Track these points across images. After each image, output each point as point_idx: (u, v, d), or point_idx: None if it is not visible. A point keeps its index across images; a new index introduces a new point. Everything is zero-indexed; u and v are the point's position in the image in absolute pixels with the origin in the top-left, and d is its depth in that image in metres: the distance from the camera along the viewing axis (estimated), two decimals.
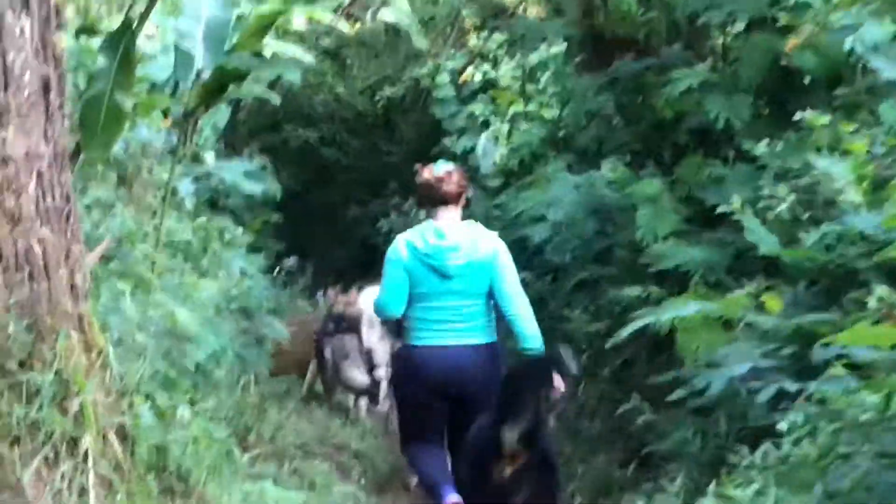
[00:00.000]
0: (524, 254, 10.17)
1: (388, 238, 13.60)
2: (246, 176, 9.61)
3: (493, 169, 12.62)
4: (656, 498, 5.68)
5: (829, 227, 5.47)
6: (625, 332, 6.09)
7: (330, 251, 15.15)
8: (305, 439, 8.16)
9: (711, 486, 4.99)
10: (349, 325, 9.51)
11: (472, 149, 13.24)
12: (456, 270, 6.31)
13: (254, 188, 9.67)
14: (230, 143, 13.22)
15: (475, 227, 6.48)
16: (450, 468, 6.54)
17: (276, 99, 9.66)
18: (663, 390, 6.70)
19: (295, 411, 8.71)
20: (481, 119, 13.55)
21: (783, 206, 5.89)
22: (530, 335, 6.41)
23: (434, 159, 7.52)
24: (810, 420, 4.50)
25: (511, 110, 12.96)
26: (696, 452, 5.83)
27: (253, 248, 9.84)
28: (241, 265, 8.73)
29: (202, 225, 8.36)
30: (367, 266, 15.17)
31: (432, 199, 6.48)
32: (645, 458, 6.73)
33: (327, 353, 9.42)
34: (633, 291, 7.10)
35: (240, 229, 9.25)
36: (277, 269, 11.59)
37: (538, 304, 10.04)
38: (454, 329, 6.40)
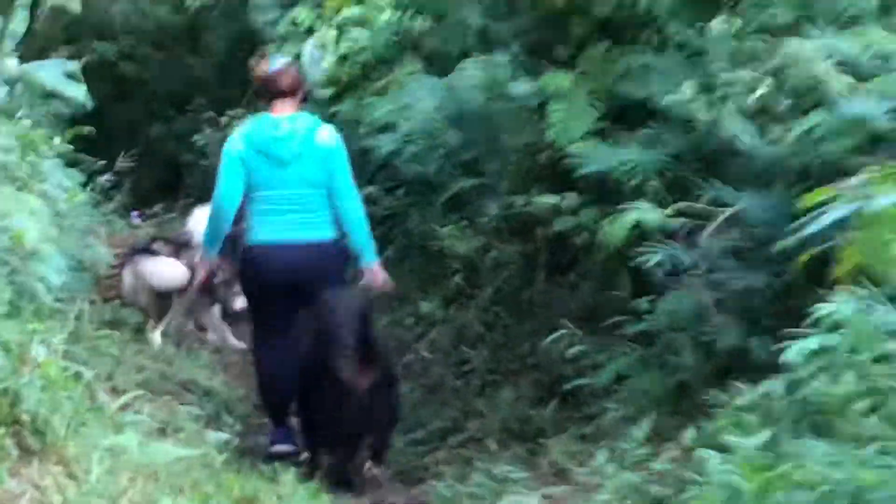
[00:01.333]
0: (367, 167, 9.30)
1: (203, 155, 12.98)
2: (67, 77, 8.26)
3: (322, 78, 11.53)
4: (611, 446, 4.82)
5: (818, 116, 4.70)
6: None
7: (136, 171, 14.03)
8: (146, 375, 7.06)
9: (690, 433, 4.17)
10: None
11: (297, 57, 12.09)
12: (292, 157, 6.37)
13: (75, 92, 8.35)
14: (23, 57, 11.85)
15: (311, 118, 6.58)
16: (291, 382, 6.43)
17: (75, 7, 8.40)
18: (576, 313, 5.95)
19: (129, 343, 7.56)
20: (306, 25, 12.42)
21: (757, 95, 5.07)
22: (364, 236, 6.55)
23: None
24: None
25: (341, 15, 11.85)
26: (652, 389, 5.00)
27: (70, 163, 8.56)
28: (61, 179, 7.46)
29: (24, 131, 7.05)
30: (176, 186, 14.46)
31: (269, 92, 6.54)
32: (566, 395, 5.86)
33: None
34: (547, 200, 6.19)
35: (57, 139, 7.94)
36: (90, 186, 10.34)
37: (390, 219, 9.23)
38: (294, 223, 6.42)
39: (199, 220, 9.08)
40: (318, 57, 11.83)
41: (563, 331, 5.61)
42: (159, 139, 14.86)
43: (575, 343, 5.61)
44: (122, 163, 11.55)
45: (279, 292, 6.43)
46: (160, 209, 12.03)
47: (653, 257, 4.87)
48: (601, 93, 6.15)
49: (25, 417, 4.13)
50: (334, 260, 6.52)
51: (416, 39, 10.02)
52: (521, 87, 7.60)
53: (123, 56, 14.97)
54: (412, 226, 9.03)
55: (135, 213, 11.26)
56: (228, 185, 6.47)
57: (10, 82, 8.08)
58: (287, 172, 6.38)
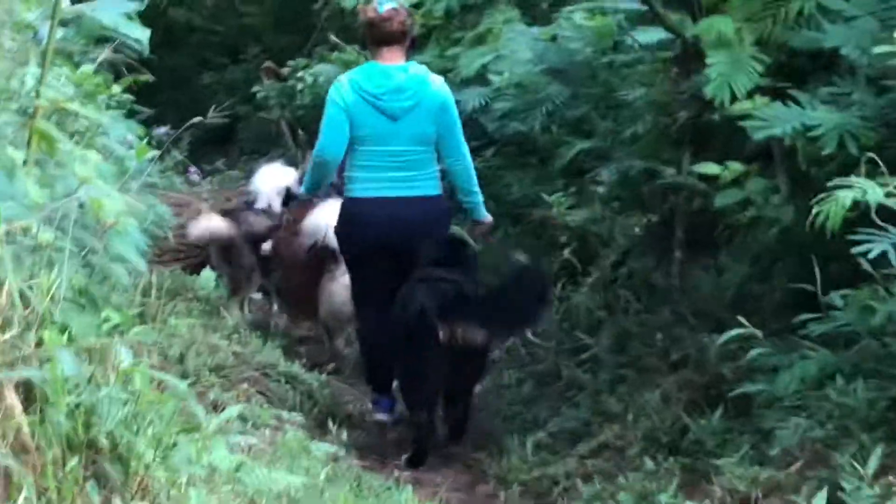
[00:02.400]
0: None
1: (263, 105, 12.07)
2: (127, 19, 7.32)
3: None
4: (815, 475, 3.87)
5: None
6: None
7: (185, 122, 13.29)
8: (219, 359, 6.18)
9: None
10: None
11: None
12: (403, 112, 5.97)
13: (139, 34, 7.42)
14: None
15: (422, 67, 6.23)
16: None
17: None
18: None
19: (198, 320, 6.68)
20: None
21: None
22: (474, 190, 6.29)
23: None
24: None
25: None
26: (858, 407, 4.04)
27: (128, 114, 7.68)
28: (124, 133, 6.55)
29: (86, 77, 6.14)
30: (229, 139, 13.58)
31: (376, 38, 6.09)
32: (731, 403, 4.90)
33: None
34: (706, 168, 5.22)
35: (116, 87, 7.04)
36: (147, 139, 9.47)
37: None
38: (400, 179, 6.02)
39: (265, 179, 8.23)
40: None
41: (739, 330, 4.62)
42: (210, 89, 14.09)
43: (751, 345, 4.62)
44: (212, 117, 10.65)
45: (382, 251, 6.01)
46: (222, 164, 11.07)
47: (876, 246, 3.91)
48: (769, 42, 5.15)
49: (104, 442, 3.24)
50: (440, 217, 6.20)
51: None
52: (650, 35, 6.66)
53: (173, 0, 14.14)
54: (504, 191, 8.07)
55: (192, 169, 10.33)
56: (333, 137, 6.01)
57: (65, 22, 7.14)
58: (398, 127, 5.97)
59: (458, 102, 8.41)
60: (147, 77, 8.58)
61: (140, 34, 7.73)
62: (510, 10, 8.75)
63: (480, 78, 8.63)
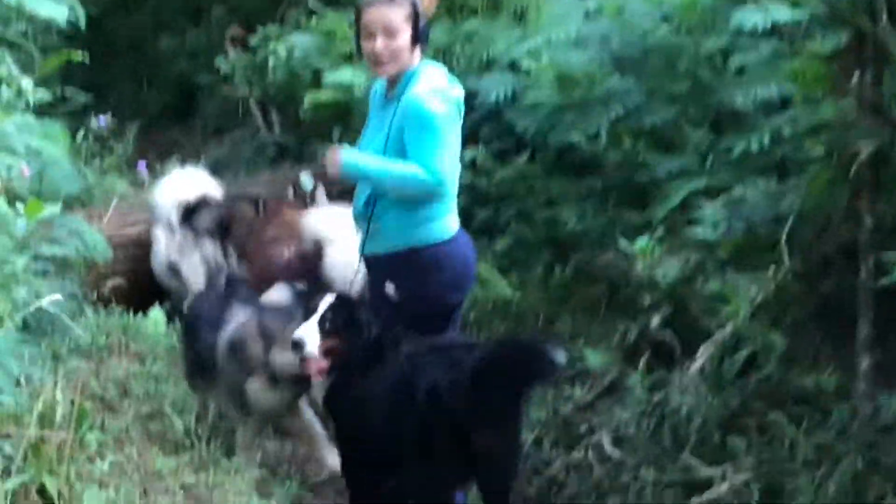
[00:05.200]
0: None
1: (225, 79, 10.14)
2: None
3: None
4: None
5: None
6: None
7: (138, 97, 12.34)
8: None
9: None
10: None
11: None
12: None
13: (54, 11, 5.48)
14: None
15: None
16: None
17: None
18: None
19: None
20: None
21: None
22: None
23: None
24: None
25: None
26: None
27: (48, 107, 5.73)
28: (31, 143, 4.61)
29: None
30: (185, 115, 12.13)
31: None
32: None
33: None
34: None
35: (27, 81, 5.06)
36: (82, 131, 8.16)
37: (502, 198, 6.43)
38: (456, 209, 4.66)
39: (165, 191, 6.49)
40: None
41: None
42: (169, 56, 12.38)
43: None
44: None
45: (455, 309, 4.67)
46: (176, 158, 9.07)
47: None
48: None
49: None
50: None
51: None
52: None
53: None
54: (543, 213, 6.13)
55: (141, 163, 8.30)
56: (453, 166, 4.49)
57: None
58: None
59: (476, 93, 6.65)
60: (78, 55, 6.63)
61: (56, 11, 5.85)
62: None
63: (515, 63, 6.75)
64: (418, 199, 4.37)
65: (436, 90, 4.35)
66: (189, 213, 6.29)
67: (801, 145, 4.68)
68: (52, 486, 3.64)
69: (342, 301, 4.44)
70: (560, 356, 4.00)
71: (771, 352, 4.28)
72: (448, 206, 4.50)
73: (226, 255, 6.19)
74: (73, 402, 3.87)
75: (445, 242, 4.51)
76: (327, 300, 4.40)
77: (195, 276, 6.16)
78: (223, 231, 6.19)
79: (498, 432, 4.10)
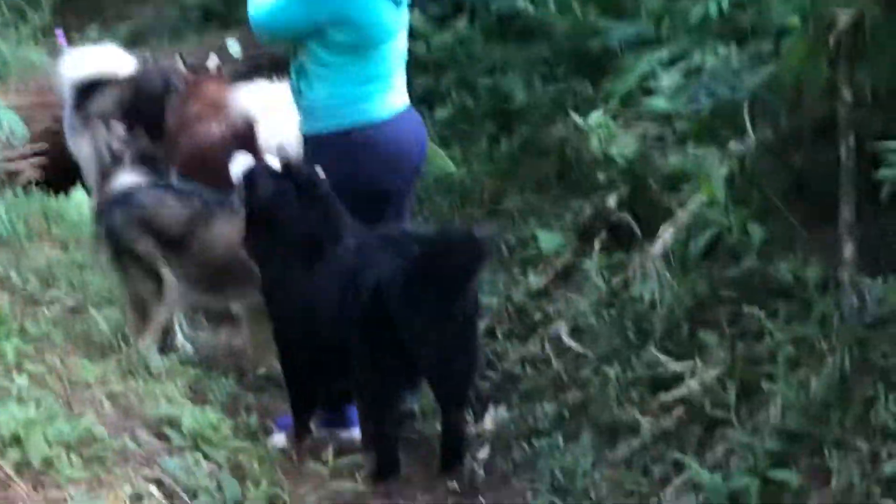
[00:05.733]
0: None
1: None
2: None
3: None
4: None
5: None
6: None
7: None
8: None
9: None
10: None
11: None
12: None
13: None
14: None
15: None
16: None
17: None
18: None
19: None
20: None
21: None
22: None
23: None
24: None
25: None
26: None
27: None
28: None
29: None
30: None
31: None
32: None
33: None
34: None
35: None
36: None
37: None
38: (398, 88, 4.40)
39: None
40: None
41: None
42: None
43: None
44: None
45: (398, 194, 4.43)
46: (95, 28, 8.50)
47: None
48: None
49: None
50: None
51: None
52: None
53: None
54: (487, 82, 5.76)
55: (60, 33, 7.75)
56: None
57: None
58: (400, 13, 4.32)
59: None
60: None
61: None
62: None
63: None
64: (348, 78, 4.22)
65: None
66: (84, 94, 5.77)
67: (768, 10, 4.33)
68: None
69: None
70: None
71: (742, 234, 4.01)
72: (381, 86, 4.28)
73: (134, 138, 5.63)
74: None
75: (376, 124, 4.29)
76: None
77: (87, 164, 5.69)
78: (129, 112, 5.62)
79: (443, 330, 3.87)
